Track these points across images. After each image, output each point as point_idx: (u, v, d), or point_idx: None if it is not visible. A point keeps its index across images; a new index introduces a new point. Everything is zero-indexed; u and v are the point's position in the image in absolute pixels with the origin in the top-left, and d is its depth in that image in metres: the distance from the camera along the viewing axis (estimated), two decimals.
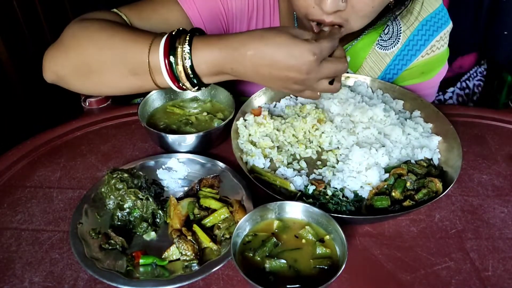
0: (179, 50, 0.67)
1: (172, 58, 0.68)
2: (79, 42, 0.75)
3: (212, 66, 0.68)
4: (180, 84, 0.71)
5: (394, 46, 1.00)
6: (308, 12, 0.78)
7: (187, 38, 0.68)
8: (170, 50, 0.68)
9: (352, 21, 0.79)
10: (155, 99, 0.95)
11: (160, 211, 0.73)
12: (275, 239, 0.64)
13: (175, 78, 0.70)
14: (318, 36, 0.70)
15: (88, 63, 0.74)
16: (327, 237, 0.65)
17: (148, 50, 0.70)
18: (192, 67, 0.68)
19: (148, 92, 0.93)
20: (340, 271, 0.58)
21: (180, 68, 0.68)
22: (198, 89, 0.73)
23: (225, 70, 0.69)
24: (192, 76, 0.69)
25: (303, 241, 0.65)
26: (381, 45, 1.00)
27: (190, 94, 0.98)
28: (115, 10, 0.86)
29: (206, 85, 0.73)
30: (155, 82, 0.72)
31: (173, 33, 0.69)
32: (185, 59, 0.67)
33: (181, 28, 0.71)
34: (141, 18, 0.86)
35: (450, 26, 1.00)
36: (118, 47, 0.72)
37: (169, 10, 0.89)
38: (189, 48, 0.67)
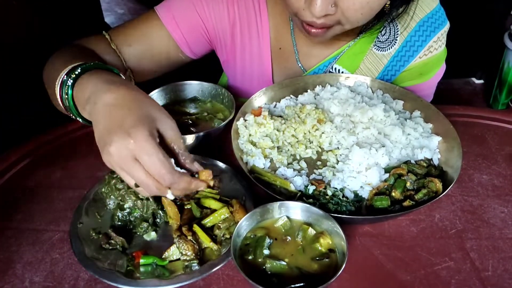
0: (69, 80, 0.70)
1: (63, 88, 0.71)
2: (49, 62, 0.83)
3: (82, 96, 0.68)
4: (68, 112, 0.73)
5: (391, 47, 1.00)
6: (298, 13, 0.79)
7: (76, 73, 0.69)
8: (63, 81, 0.71)
9: (343, 23, 0.80)
10: (155, 100, 0.95)
11: (160, 211, 0.73)
12: (268, 237, 0.64)
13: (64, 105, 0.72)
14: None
15: (46, 78, 0.82)
16: (327, 237, 0.65)
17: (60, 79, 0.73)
18: (71, 95, 0.70)
19: (148, 92, 0.93)
20: (340, 271, 0.58)
21: (64, 95, 0.71)
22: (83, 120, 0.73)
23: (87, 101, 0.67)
24: (69, 104, 0.71)
25: (303, 241, 0.65)
26: (378, 46, 1.00)
27: (190, 94, 0.98)
28: (104, 33, 0.94)
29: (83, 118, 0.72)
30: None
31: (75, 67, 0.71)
32: (68, 88, 0.70)
33: (91, 63, 0.71)
34: (125, 41, 0.94)
35: (447, 26, 0.99)
36: (56, 68, 0.76)
37: (151, 28, 0.95)
38: (72, 80, 0.69)
